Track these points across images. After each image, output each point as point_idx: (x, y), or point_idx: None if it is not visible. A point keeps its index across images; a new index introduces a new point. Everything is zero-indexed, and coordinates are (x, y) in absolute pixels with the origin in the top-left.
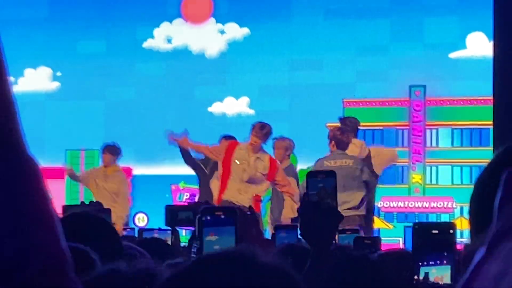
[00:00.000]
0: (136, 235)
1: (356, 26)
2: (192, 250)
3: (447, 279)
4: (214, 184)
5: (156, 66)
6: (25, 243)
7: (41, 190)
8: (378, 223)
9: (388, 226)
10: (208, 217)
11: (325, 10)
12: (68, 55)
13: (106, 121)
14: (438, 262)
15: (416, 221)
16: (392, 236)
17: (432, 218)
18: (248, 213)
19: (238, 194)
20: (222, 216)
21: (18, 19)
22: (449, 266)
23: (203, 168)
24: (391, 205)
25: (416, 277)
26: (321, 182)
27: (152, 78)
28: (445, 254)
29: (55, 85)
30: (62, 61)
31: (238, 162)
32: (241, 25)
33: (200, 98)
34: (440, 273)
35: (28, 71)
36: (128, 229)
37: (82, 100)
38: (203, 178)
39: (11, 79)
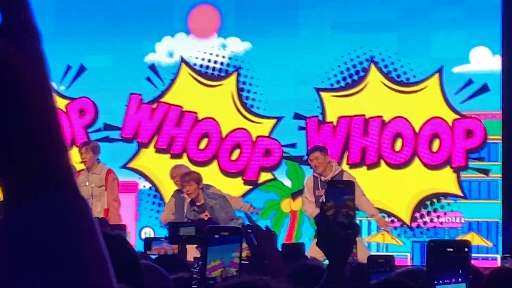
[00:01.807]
0: (143, 247)
1: (363, 39)
2: (195, 269)
3: None
4: None
5: (159, 81)
6: None
7: (93, 231)
8: (388, 239)
9: (398, 242)
10: (215, 236)
11: (332, 24)
12: (74, 70)
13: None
14: (454, 280)
15: (424, 236)
16: (400, 252)
17: (441, 233)
18: (265, 230)
19: None
20: (228, 235)
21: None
22: (464, 284)
23: None
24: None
25: None
26: (340, 192)
27: (156, 92)
28: (460, 272)
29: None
30: (67, 76)
31: (81, 184)
32: (245, 39)
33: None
34: None
35: None
36: None
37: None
38: None
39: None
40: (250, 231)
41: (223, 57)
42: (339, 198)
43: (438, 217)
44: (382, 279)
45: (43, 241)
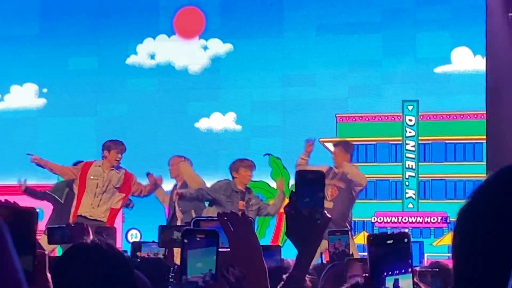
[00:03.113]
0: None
1: (348, 41)
2: (171, 274)
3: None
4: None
5: (145, 83)
6: None
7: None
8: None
9: None
10: (190, 239)
11: (317, 25)
12: (59, 72)
13: (97, 137)
14: (403, 270)
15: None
16: None
17: (426, 233)
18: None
19: (91, 208)
20: (204, 238)
21: (9, 36)
22: (410, 275)
23: (57, 197)
24: (385, 220)
25: (383, 287)
26: (312, 185)
27: (141, 94)
28: (404, 263)
29: (42, 101)
30: (51, 78)
31: (92, 178)
32: (230, 40)
33: (192, 114)
34: (404, 281)
35: (14, 88)
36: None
37: (72, 117)
38: (57, 206)
39: None
40: (226, 218)
41: (207, 58)
42: (314, 194)
43: (424, 217)
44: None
45: None
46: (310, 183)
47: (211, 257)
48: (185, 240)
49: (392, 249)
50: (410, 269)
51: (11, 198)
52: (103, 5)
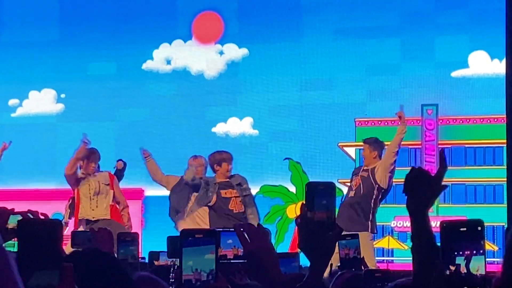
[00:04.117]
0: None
1: (367, 45)
2: (171, 274)
3: (481, 270)
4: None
5: (163, 88)
6: None
7: (5, 271)
8: (393, 244)
9: (402, 246)
10: (186, 239)
11: (335, 30)
12: (77, 77)
13: (117, 142)
14: (475, 252)
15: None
16: (406, 256)
17: None
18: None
19: (91, 210)
20: (202, 238)
21: (27, 42)
22: (482, 257)
23: None
24: (405, 225)
25: (452, 267)
26: (324, 195)
27: (159, 99)
28: (477, 248)
29: (60, 107)
30: (69, 83)
31: (82, 184)
32: (247, 45)
33: (209, 119)
34: (475, 263)
35: (33, 93)
36: (140, 258)
37: (90, 122)
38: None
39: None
40: (242, 229)
41: (224, 63)
42: (328, 200)
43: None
44: None
45: None
46: (323, 190)
47: (204, 255)
48: (182, 240)
49: (464, 236)
50: (482, 253)
51: (32, 204)
52: (121, 11)
